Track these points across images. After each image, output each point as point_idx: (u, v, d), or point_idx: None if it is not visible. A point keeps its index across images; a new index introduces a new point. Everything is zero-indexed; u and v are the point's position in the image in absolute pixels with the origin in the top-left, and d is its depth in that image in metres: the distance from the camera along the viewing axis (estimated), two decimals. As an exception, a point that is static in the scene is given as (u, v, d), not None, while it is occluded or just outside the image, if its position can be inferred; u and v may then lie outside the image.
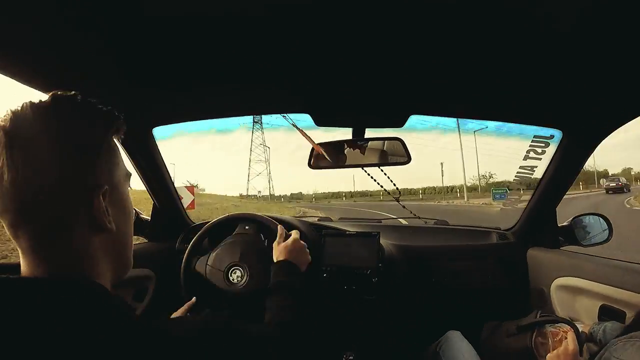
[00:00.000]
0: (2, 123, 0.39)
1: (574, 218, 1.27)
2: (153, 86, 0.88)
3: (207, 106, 1.06)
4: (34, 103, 0.41)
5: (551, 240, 1.26)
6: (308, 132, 1.04)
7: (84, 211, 0.41)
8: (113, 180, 0.45)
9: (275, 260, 0.88)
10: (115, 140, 0.48)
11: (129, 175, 0.49)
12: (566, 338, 0.89)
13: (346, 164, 1.04)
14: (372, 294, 1.14)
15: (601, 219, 1.27)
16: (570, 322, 0.94)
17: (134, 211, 1.33)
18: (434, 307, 1.23)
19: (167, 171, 1.26)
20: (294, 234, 0.94)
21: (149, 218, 1.34)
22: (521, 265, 1.27)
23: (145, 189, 1.30)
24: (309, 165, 1.05)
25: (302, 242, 0.92)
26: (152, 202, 1.32)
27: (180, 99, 0.99)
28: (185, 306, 0.96)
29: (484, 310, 1.24)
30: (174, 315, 0.93)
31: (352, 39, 0.66)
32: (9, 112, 0.40)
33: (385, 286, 1.16)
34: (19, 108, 0.40)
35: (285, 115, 1.00)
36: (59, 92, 0.43)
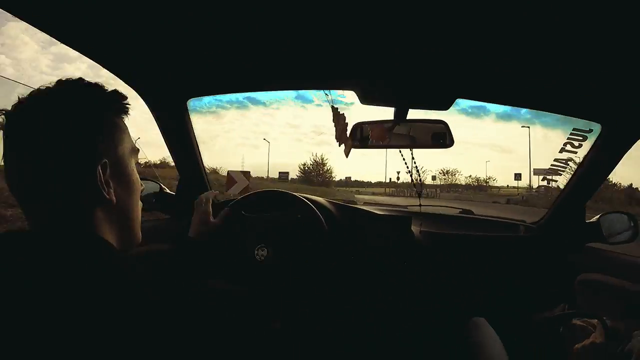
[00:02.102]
0: (9, 112, 0.44)
1: (601, 215, 1.28)
2: (188, 58, 0.87)
3: (245, 78, 1.04)
4: (38, 89, 0.45)
5: (578, 235, 1.26)
6: (352, 109, 1.03)
7: (86, 184, 0.44)
8: (116, 155, 0.48)
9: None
10: (124, 119, 0.51)
11: (135, 150, 0.53)
12: (594, 331, 0.89)
13: (387, 144, 1.03)
14: (400, 278, 1.13)
15: (628, 218, 1.27)
16: (599, 316, 0.95)
17: (159, 185, 1.31)
18: (459, 293, 1.23)
19: (197, 146, 1.23)
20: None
21: (174, 194, 1.32)
22: (546, 259, 1.27)
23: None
24: (339, 144, 1.03)
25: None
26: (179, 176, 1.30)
27: (217, 71, 0.97)
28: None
29: (509, 300, 1.24)
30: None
31: (401, 15, 0.65)
32: (16, 98, 0.44)
33: (413, 271, 1.16)
34: (24, 96, 0.45)
35: (328, 93, 0.98)
36: (62, 79, 0.47)
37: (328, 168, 40.92)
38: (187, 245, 0.94)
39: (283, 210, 1.13)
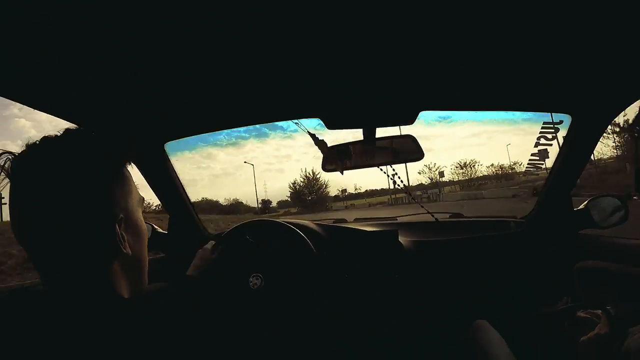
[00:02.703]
0: (17, 157, 0.41)
1: (589, 200, 1.27)
2: (162, 101, 0.89)
3: (218, 117, 1.07)
4: (47, 139, 0.43)
5: (568, 224, 1.25)
6: (320, 135, 1.06)
7: (103, 238, 0.43)
8: (127, 207, 0.47)
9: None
10: (127, 166, 0.50)
11: (141, 200, 0.52)
12: (599, 323, 0.89)
13: (360, 164, 1.06)
14: (393, 291, 1.14)
15: (617, 200, 1.27)
16: (603, 307, 0.94)
17: (150, 227, 1.36)
18: (457, 299, 1.23)
19: (181, 184, 1.27)
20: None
21: (166, 232, 1.36)
22: (541, 252, 1.27)
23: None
24: (323, 168, 1.07)
25: None
26: (169, 216, 1.34)
27: (191, 113, 1.00)
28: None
29: (508, 299, 1.23)
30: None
31: (357, 40, 0.67)
32: (23, 147, 0.42)
33: (407, 282, 1.17)
34: (33, 143, 0.42)
35: (297, 122, 1.01)
36: (71, 128, 0.45)
37: (323, 183, 38.57)
38: (187, 284, 0.96)
39: (272, 238, 1.16)
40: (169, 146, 1.17)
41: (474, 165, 43.37)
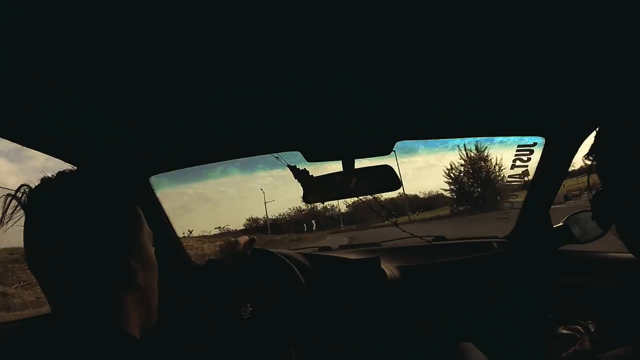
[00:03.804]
0: (32, 193, 0.42)
1: (567, 217, 1.30)
2: (145, 137, 0.90)
3: (200, 152, 1.08)
4: (62, 174, 0.44)
5: (549, 241, 1.27)
6: (300, 167, 1.07)
7: (116, 273, 0.44)
8: (140, 241, 0.49)
9: None
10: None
11: (151, 234, 0.53)
12: (579, 338, 0.90)
13: (339, 195, 1.07)
14: (378, 318, 1.15)
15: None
16: (583, 323, 0.96)
17: None
18: (442, 323, 1.24)
19: (167, 218, 1.27)
20: None
21: None
22: (523, 270, 1.29)
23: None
24: (303, 199, 1.08)
25: None
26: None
27: (173, 148, 1.01)
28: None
29: (493, 319, 1.25)
30: None
31: (335, 75, 0.68)
32: (35, 187, 0.43)
33: (391, 309, 1.18)
34: (47, 178, 0.44)
35: (277, 156, 1.02)
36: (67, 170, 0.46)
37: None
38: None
39: (261, 266, 1.16)
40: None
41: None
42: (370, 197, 1.10)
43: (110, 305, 0.44)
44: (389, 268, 1.22)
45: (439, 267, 1.28)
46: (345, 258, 1.24)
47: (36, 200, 0.42)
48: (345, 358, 1.21)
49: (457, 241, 1.47)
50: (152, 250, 0.53)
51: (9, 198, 0.42)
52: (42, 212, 0.42)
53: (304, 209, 37.11)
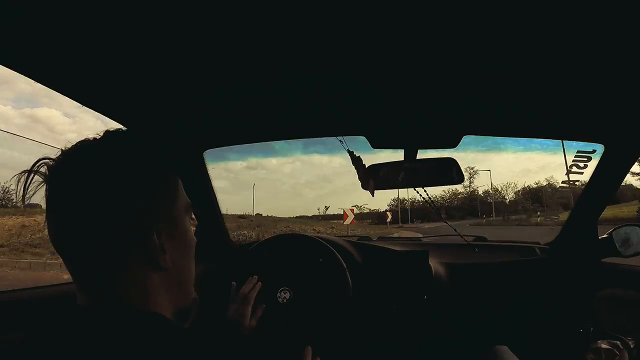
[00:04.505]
0: (53, 163, 0.40)
1: (612, 230, 1.29)
2: (204, 110, 0.89)
3: (259, 129, 1.07)
4: (84, 142, 0.41)
5: (592, 252, 1.27)
6: (362, 154, 1.06)
7: (138, 250, 0.40)
8: (171, 215, 0.44)
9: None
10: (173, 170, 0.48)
11: (189, 206, 0.48)
12: (618, 355, 0.90)
13: (400, 184, 1.06)
14: (421, 313, 1.15)
15: (639, 229, 1.29)
16: (624, 339, 0.95)
17: None
18: (480, 323, 1.23)
19: (215, 195, 1.27)
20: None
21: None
22: (564, 278, 1.28)
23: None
24: (363, 187, 1.07)
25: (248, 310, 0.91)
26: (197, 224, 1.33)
27: (230, 123, 1.00)
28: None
29: (530, 325, 1.24)
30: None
31: (406, 62, 0.68)
32: (61, 151, 0.41)
33: (436, 303, 1.17)
34: (70, 147, 0.41)
35: (341, 140, 1.02)
36: (111, 130, 0.43)
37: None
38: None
39: (302, 252, 1.16)
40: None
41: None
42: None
43: (134, 285, 0.41)
44: (433, 263, 1.21)
45: (481, 267, 1.27)
46: (391, 249, 1.24)
47: (54, 173, 0.40)
48: (382, 350, 1.21)
49: (498, 242, 1.47)
50: (189, 227, 0.48)
51: (26, 174, 0.40)
52: (59, 183, 0.39)
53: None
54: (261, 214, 22.96)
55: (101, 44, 0.57)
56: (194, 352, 0.38)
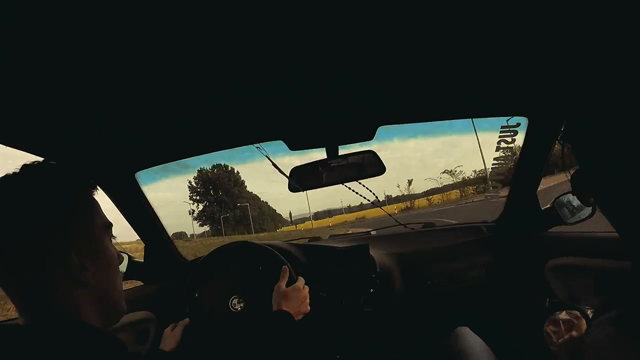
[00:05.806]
0: None
1: (555, 199, 1.30)
2: (132, 132, 0.89)
3: (184, 146, 1.08)
4: (5, 175, 0.45)
5: (537, 224, 1.28)
6: (284, 157, 1.07)
7: (62, 270, 0.43)
8: (90, 235, 0.47)
9: (275, 306, 0.90)
10: (94, 193, 0.51)
11: (109, 226, 0.51)
12: (576, 323, 0.90)
13: (324, 182, 1.07)
14: (370, 305, 1.14)
15: (582, 196, 1.29)
16: (582, 309, 0.95)
17: (126, 256, 1.34)
18: (435, 308, 1.24)
19: (155, 213, 1.27)
20: (300, 282, 0.96)
21: (142, 260, 1.34)
22: (513, 253, 1.29)
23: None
24: (289, 188, 1.07)
25: (305, 291, 0.95)
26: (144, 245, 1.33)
27: (157, 142, 1.01)
28: (179, 326, 1.01)
29: (486, 303, 1.25)
30: (166, 331, 1.00)
31: (316, 61, 0.68)
32: None
33: (383, 295, 1.17)
34: None
35: (259, 147, 1.02)
36: (27, 163, 0.46)
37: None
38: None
39: (249, 261, 1.16)
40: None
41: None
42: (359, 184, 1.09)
43: (61, 303, 0.44)
44: (378, 255, 1.21)
45: (430, 252, 1.28)
46: (334, 247, 1.24)
47: None
48: (340, 345, 1.21)
49: (446, 226, 1.47)
50: (110, 245, 0.51)
51: None
52: None
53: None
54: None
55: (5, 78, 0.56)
56: (116, 354, 0.42)
